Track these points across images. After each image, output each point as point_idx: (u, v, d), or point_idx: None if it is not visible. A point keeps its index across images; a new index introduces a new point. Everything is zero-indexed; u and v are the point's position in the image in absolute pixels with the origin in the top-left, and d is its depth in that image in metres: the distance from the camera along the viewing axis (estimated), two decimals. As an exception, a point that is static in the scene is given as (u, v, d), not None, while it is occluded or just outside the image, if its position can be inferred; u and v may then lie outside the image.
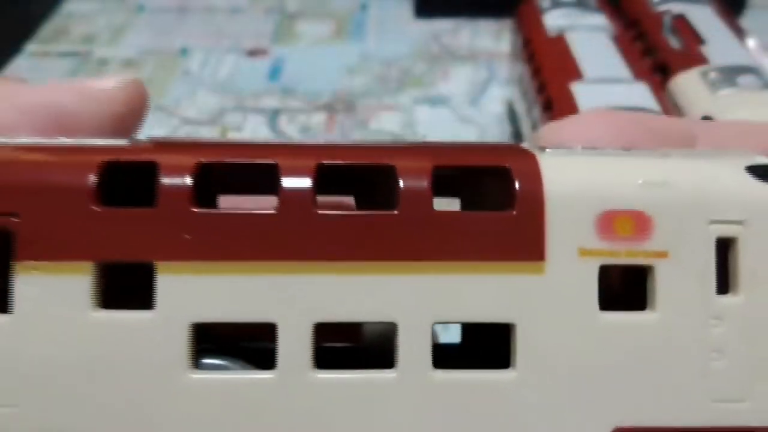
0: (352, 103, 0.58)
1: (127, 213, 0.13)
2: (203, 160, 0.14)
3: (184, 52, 0.66)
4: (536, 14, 0.49)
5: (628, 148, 0.15)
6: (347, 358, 0.14)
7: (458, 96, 0.59)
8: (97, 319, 0.13)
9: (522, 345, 0.14)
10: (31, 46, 0.67)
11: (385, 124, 0.55)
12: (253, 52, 0.66)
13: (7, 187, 0.13)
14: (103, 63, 0.64)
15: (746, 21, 0.63)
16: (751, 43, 0.44)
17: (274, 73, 0.62)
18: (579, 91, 0.40)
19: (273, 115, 0.57)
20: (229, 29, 0.70)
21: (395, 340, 0.14)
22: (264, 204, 0.14)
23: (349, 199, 0.16)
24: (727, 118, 0.37)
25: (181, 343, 0.13)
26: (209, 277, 0.13)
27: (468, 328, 0.17)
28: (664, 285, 0.14)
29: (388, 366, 0.14)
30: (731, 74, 0.40)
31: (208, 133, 0.54)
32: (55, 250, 0.13)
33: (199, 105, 0.58)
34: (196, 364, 0.14)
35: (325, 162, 0.14)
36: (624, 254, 0.14)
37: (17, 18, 0.69)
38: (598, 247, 0.14)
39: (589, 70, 0.42)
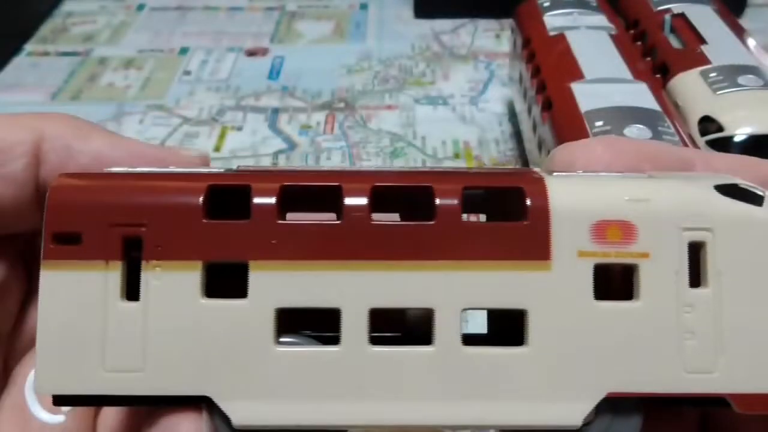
0: (351, 103, 0.58)
1: (228, 224, 0.17)
2: (285, 183, 0.17)
3: (184, 51, 0.66)
4: (536, 14, 0.49)
5: (627, 172, 0.18)
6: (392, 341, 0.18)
7: (458, 96, 0.59)
8: (204, 305, 0.17)
9: (533, 326, 0.17)
10: (30, 46, 0.67)
11: (385, 123, 0.55)
12: (253, 52, 0.66)
13: (138, 204, 0.17)
14: (102, 62, 0.64)
15: (746, 20, 0.63)
16: (751, 42, 0.44)
17: (274, 72, 0.62)
18: (579, 90, 0.40)
19: (273, 115, 0.57)
20: (229, 29, 0.70)
21: (432, 323, 0.17)
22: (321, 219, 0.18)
23: (395, 216, 0.19)
24: (727, 118, 0.37)
25: (268, 323, 0.17)
26: (289, 273, 0.17)
27: (491, 322, 0.20)
28: (646, 280, 0.17)
29: (426, 343, 0.17)
30: (731, 74, 0.40)
31: (207, 133, 0.54)
32: (173, 252, 0.17)
33: (199, 104, 0.58)
34: (278, 341, 0.17)
35: (377, 184, 0.17)
36: (614, 255, 0.17)
37: (17, 18, 0.69)
38: (592, 249, 0.17)
39: (589, 70, 0.42)
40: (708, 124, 0.38)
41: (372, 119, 0.56)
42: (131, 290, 0.17)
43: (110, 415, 0.20)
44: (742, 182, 0.18)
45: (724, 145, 0.36)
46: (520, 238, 0.17)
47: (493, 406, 0.17)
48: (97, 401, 0.17)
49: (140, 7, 0.74)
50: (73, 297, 0.17)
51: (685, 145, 0.36)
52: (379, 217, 0.17)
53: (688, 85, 0.41)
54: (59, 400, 0.17)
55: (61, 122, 0.20)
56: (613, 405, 0.17)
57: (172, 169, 0.19)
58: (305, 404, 0.17)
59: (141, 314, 0.17)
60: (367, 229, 0.17)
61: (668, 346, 0.17)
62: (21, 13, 0.70)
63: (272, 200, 0.17)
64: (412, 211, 0.18)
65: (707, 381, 0.17)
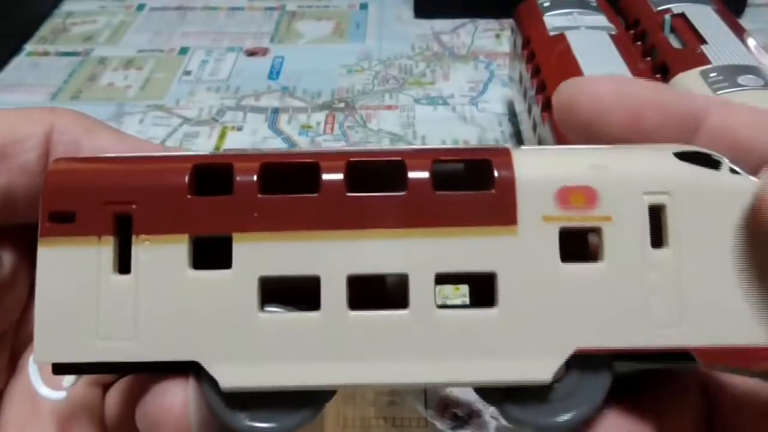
0: (351, 103, 0.58)
1: (212, 200, 0.18)
2: (266, 161, 0.18)
3: (184, 51, 0.66)
4: (536, 14, 0.49)
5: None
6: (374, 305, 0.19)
7: (458, 96, 0.59)
8: (191, 276, 0.18)
9: (502, 288, 0.18)
10: (30, 46, 0.67)
11: (385, 123, 0.55)
12: (253, 52, 0.66)
13: (128, 183, 0.18)
14: (102, 62, 0.64)
15: (746, 20, 0.63)
16: (751, 42, 0.44)
17: (274, 72, 0.62)
18: (579, 90, 0.40)
19: (273, 114, 0.57)
20: (229, 29, 0.70)
21: (407, 288, 0.18)
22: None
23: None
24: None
25: (252, 291, 0.18)
26: (271, 243, 0.18)
27: (473, 294, 0.21)
28: (609, 242, 0.18)
29: (403, 306, 0.18)
30: (731, 74, 0.40)
31: (207, 133, 0.54)
32: (161, 227, 0.18)
33: (199, 104, 0.58)
34: (263, 308, 0.18)
35: (352, 159, 0.18)
36: (577, 219, 0.18)
37: (17, 18, 0.69)
38: (557, 214, 0.18)
39: (589, 70, 0.42)
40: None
41: (372, 119, 0.56)
42: (123, 264, 0.18)
43: (115, 389, 0.21)
44: (703, 149, 0.19)
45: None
46: (488, 206, 0.18)
47: (466, 364, 0.18)
48: (93, 369, 0.18)
49: (140, 7, 0.74)
50: (68, 271, 0.18)
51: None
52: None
53: (688, 85, 0.40)
54: (58, 369, 0.18)
55: (70, 117, 0.21)
56: (582, 362, 0.18)
57: (161, 153, 0.20)
58: (288, 366, 0.18)
59: (132, 286, 0.18)
60: (343, 200, 0.18)
61: (633, 304, 0.18)
62: (21, 13, 0.70)
63: (253, 177, 0.18)
64: (392, 191, 0.19)
65: (671, 336, 0.18)
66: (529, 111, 0.45)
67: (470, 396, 0.33)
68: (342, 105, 0.58)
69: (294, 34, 0.69)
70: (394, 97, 0.59)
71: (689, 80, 0.41)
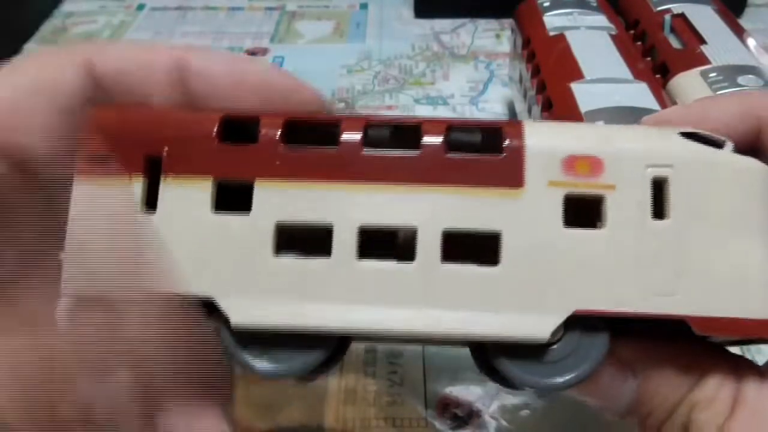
0: (351, 103, 0.58)
1: (237, 147, 0.19)
2: (290, 117, 0.20)
3: (184, 51, 0.66)
4: (536, 14, 0.49)
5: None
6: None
7: (458, 95, 0.59)
8: (213, 218, 0.19)
9: (505, 248, 0.19)
10: (30, 46, 0.67)
11: (385, 123, 0.55)
12: (253, 52, 0.66)
13: (162, 130, 0.19)
14: (102, 62, 0.64)
15: (746, 20, 0.63)
16: (751, 42, 0.44)
17: (274, 72, 0.62)
18: (579, 90, 0.40)
19: (273, 115, 0.56)
20: (229, 29, 0.70)
21: (415, 241, 0.19)
22: None
23: None
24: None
25: (268, 235, 0.19)
26: (289, 191, 0.19)
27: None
28: (612, 209, 0.19)
29: (410, 259, 0.19)
30: (731, 74, 0.40)
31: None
32: (189, 169, 0.19)
33: (199, 104, 0.58)
34: (277, 253, 0.19)
35: (371, 120, 0.20)
36: (582, 186, 0.19)
37: (17, 18, 0.69)
38: (563, 180, 0.19)
39: (589, 70, 0.41)
40: (708, 124, 0.38)
41: (372, 119, 0.56)
42: (150, 202, 0.19)
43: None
44: (706, 132, 0.19)
45: (724, 145, 0.36)
46: (497, 169, 0.19)
47: (465, 316, 0.19)
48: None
49: (140, 7, 0.74)
50: (99, 207, 0.19)
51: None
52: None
53: (688, 85, 0.40)
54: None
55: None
56: (581, 323, 0.19)
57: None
58: (296, 307, 0.19)
59: (158, 224, 0.19)
60: (359, 156, 0.19)
61: (631, 271, 0.18)
62: (21, 13, 0.70)
63: (278, 130, 0.19)
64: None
65: (668, 303, 0.18)
66: (529, 111, 0.45)
67: (470, 396, 0.33)
68: (342, 105, 0.58)
69: (294, 34, 0.69)
70: (394, 97, 0.59)
71: (689, 80, 0.41)
